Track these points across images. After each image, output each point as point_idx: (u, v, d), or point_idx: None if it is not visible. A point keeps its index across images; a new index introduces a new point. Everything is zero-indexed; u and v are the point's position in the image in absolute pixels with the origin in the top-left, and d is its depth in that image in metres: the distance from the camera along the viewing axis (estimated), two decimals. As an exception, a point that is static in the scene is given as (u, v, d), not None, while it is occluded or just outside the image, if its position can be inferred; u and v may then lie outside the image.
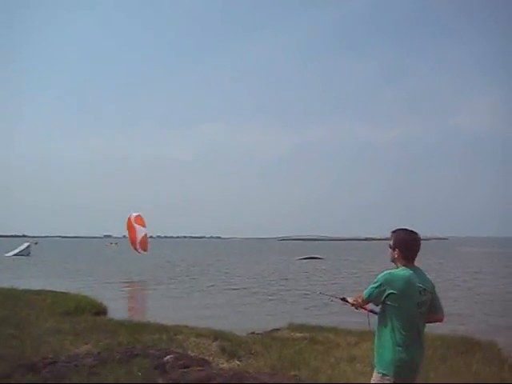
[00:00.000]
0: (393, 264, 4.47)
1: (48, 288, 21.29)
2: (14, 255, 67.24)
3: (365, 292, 4.36)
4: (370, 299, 4.39)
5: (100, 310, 16.36)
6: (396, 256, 4.43)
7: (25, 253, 69.71)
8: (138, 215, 38.45)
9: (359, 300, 4.48)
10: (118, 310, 17.03)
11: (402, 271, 4.30)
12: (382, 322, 4.30)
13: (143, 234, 38.20)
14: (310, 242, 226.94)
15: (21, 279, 27.64)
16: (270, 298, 24.55)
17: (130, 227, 37.80)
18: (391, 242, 4.51)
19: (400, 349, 4.11)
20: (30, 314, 13.39)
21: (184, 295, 25.78)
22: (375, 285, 4.27)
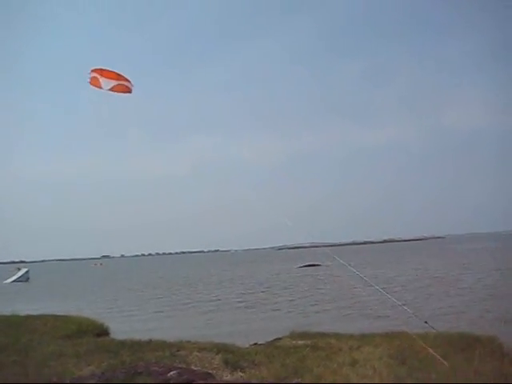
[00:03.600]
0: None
1: (49, 312, 21.25)
2: (13, 281, 67.02)
3: None
4: None
5: (102, 331, 16.34)
6: None
7: (23, 278, 69.52)
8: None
9: None
10: (119, 329, 17.01)
11: None
12: None
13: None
14: (307, 250, 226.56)
15: (21, 305, 27.56)
16: (271, 307, 24.62)
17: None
18: None
19: None
20: (31, 340, 13.37)
21: (184, 309, 25.89)
22: None
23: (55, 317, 19.18)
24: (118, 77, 10.26)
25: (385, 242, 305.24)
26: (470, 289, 26.96)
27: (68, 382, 8.28)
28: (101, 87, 10.14)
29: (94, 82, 10.20)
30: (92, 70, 10.30)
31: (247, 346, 12.19)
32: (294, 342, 12.14)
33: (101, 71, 10.28)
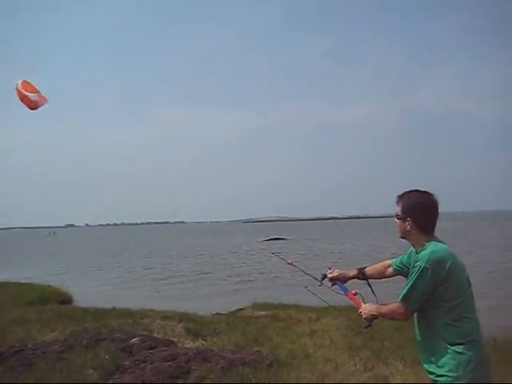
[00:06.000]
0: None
1: (11, 280, 21.15)
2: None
3: (411, 301, 3.05)
4: (417, 307, 3.08)
5: (65, 299, 16.41)
6: (408, 228, 3.20)
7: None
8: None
9: (383, 311, 3.19)
10: (83, 297, 17.07)
11: (437, 246, 3.08)
12: (432, 315, 3.05)
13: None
14: (274, 223, 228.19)
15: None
16: (234, 279, 24.90)
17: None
18: (399, 210, 3.25)
19: (467, 347, 2.95)
20: (-6, 306, 13.41)
21: (146, 280, 25.96)
22: (424, 280, 2.98)
23: (18, 284, 19.17)
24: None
25: (350, 218, 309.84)
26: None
27: (30, 346, 8.37)
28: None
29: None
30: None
31: (210, 315, 12.46)
32: (255, 312, 12.46)
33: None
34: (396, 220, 3.29)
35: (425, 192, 3.23)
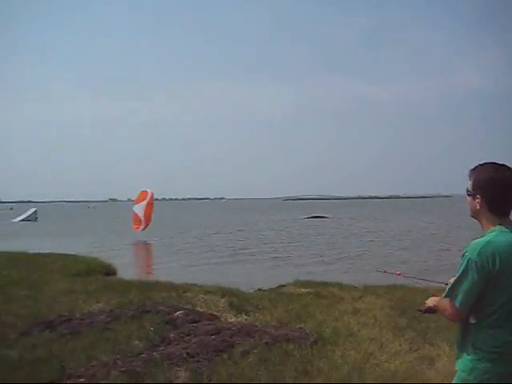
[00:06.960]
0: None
1: (57, 251, 21.68)
2: (22, 220, 67.96)
3: (457, 299, 2.69)
4: (466, 306, 2.70)
5: (110, 271, 16.72)
6: (478, 206, 2.78)
7: (32, 218, 70.41)
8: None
9: (439, 304, 2.88)
10: (127, 270, 17.38)
11: (499, 236, 2.67)
12: (471, 315, 2.74)
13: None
14: (314, 202, 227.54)
15: (30, 243, 27.99)
16: (276, 256, 24.90)
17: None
18: (469, 185, 2.82)
19: (489, 357, 2.71)
20: (41, 276, 13.76)
21: (186, 254, 26.14)
22: (470, 274, 2.63)
23: (64, 255, 19.62)
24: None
25: (390, 198, 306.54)
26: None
27: (78, 316, 8.58)
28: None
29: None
30: None
31: (252, 291, 12.49)
32: (297, 289, 12.42)
33: None
34: (467, 196, 2.86)
35: (502, 165, 2.74)
